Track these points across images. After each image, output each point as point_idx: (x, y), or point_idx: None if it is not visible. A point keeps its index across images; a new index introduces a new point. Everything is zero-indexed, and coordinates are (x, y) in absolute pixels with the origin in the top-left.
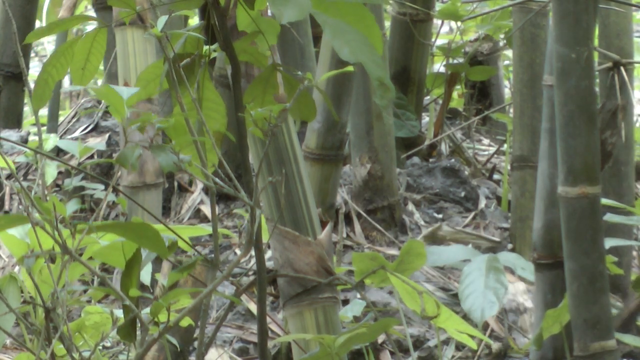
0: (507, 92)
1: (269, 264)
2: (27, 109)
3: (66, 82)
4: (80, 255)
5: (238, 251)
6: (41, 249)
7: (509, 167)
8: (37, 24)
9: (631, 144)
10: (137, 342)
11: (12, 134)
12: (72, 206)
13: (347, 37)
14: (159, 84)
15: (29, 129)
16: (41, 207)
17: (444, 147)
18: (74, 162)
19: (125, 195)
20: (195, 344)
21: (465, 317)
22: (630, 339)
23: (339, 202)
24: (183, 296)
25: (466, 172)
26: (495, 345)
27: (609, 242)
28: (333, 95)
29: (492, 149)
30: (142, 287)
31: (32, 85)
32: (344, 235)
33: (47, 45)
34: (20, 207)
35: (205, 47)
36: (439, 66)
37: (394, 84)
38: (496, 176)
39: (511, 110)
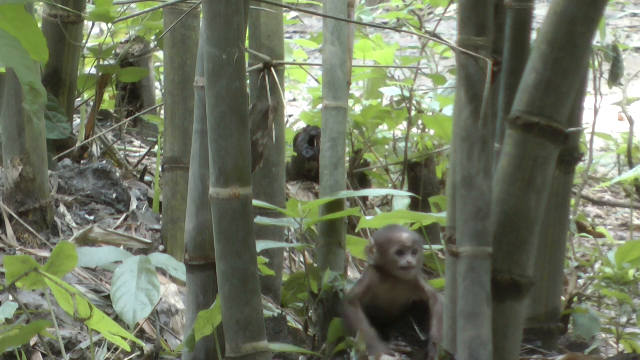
0: (158, 94)
1: None
2: None
3: None
4: None
5: None
6: None
7: (160, 169)
8: None
9: (282, 145)
10: None
11: None
12: None
13: (0, 43)
14: None
15: None
16: None
17: (96, 149)
18: None
19: None
20: None
21: (118, 319)
22: (277, 347)
23: None
24: None
25: (118, 174)
26: (148, 347)
27: (261, 244)
28: None
29: (144, 151)
30: None
31: None
32: None
33: None
34: None
35: None
36: (90, 68)
37: (45, 86)
38: (148, 178)
39: (162, 112)
